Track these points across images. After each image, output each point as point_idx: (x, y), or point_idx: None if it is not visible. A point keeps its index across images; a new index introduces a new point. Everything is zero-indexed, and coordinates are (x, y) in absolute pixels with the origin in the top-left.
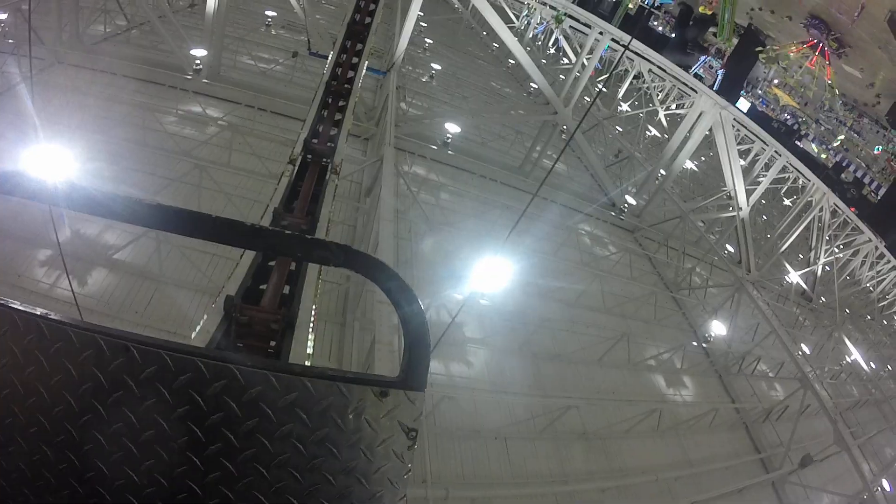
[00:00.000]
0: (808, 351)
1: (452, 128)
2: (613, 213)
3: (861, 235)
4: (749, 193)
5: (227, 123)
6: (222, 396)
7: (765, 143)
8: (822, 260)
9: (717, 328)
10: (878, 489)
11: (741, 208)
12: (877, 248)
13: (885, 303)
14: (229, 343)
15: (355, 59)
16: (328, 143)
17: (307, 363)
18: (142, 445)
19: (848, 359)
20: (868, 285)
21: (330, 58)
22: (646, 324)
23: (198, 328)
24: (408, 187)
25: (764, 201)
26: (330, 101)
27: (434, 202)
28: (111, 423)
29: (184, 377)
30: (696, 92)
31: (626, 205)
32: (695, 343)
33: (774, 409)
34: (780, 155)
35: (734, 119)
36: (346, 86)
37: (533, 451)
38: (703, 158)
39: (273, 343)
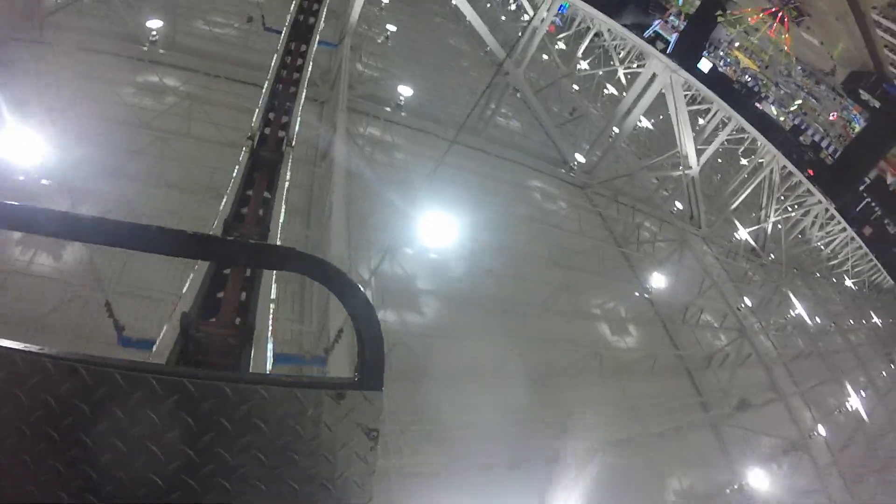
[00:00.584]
0: (750, 304)
1: (405, 91)
2: (564, 171)
3: (812, 197)
4: (702, 153)
5: (186, 93)
6: (177, 412)
7: (716, 105)
8: (772, 218)
9: (662, 280)
10: (813, 434)
11: (691, 167)
12: (827, 209)
13: (836, 262)
14: (188, 360)
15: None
16: (280, 148)
17: (268, 368)
18: (101, 470)
19: (793, 313)
20: (819, 244)
21: (279, 46)
22: (593, 276)
23: (154, 347)
24: (361, 149)
25: (720, 160)
26: (280, 87)
27: (389, 162)
28: (67, 450)
29: (136, 395)
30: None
31: (576, 162)
32: (638, 294)
33: (715, 357)
34: (729, 120)
35: (685, 82)
36: (295, 74)
37: (482, 391)
38: (661, 117)
39: (232, 357)
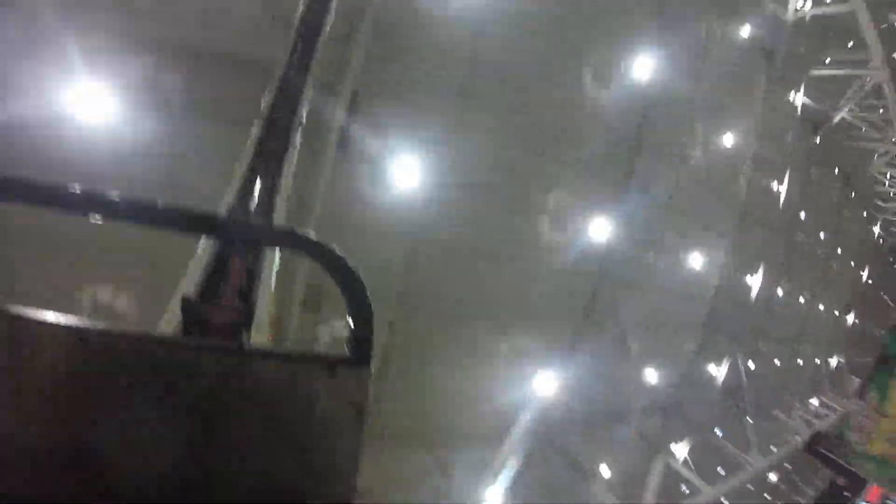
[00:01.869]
0: None
1: None
2: None
3: None
4: None
5: None
6: (176, 381)
7: None
8: None
9: None
10: None
11: None
12: None
13: None
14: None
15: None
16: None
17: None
18: (101, 434)
19: None
20: None
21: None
22: None
23: (158, 328)
24: None
25: None
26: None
27: None
28: (71, 416)
29: (139, 365)
30: None
31: None
32: None
33: None
34: None
35: None
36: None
37: None
38: None
39: (232, 338)
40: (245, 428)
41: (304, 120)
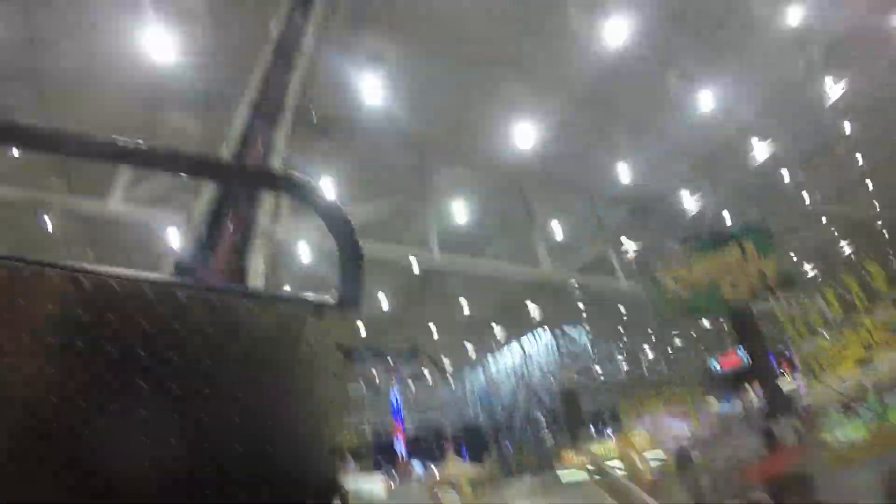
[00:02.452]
0: None
1: None
2: None
3: None
4: None
5: None
6: (164, 319)
7: None
8: None
9: None
10: None
11: None
12: None
13: None
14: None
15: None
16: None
17: None
18: (92, 372)
19: None
20: None
21: None
22: None
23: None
24: None
25: None
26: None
27: None
28: (61, 354)
29: (131, 304)
30: None
31: None
32: None
33: None
34: None
35: None
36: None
37: None
38: None
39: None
40: (229, 367)
41: None
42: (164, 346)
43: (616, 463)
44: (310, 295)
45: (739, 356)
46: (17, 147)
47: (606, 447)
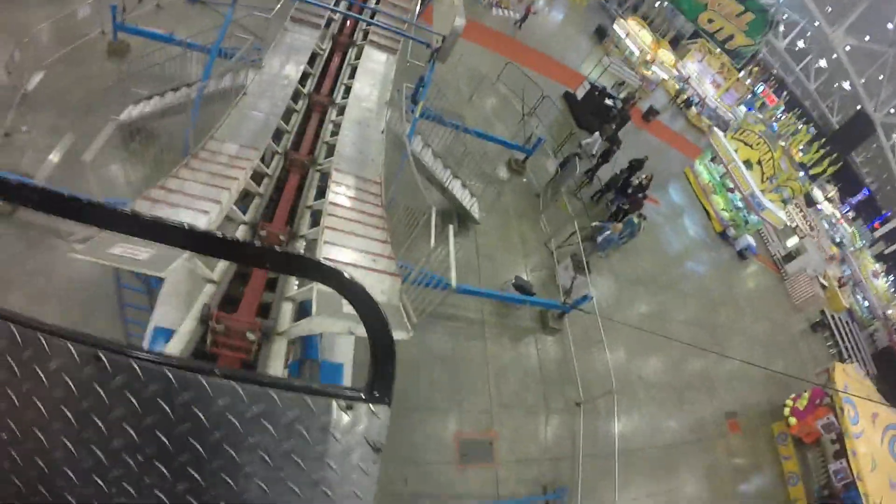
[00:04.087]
0: None
1: None
2: None
3: None
4: None
5: None
6: (190, 406)
7: None
8: None
9: None
10: None
11: None
12: None
13: None
14: (204, 352)
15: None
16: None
17: (283, 364)
18: (111, 454)
19: None
20: None
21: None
22: None
23: (174, 335)
24: None
25: None
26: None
27: None
28: (81, 432)
29: (153, 387)
30: None
31: None
32: None
33: None
34: None
35: None
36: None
37: None
38: None
39: (249, 352)
40: (254, 457)
41: None
42: (186, 433)
43: None
44: (339, 387)
45: None
46: (35, 209)
47: None
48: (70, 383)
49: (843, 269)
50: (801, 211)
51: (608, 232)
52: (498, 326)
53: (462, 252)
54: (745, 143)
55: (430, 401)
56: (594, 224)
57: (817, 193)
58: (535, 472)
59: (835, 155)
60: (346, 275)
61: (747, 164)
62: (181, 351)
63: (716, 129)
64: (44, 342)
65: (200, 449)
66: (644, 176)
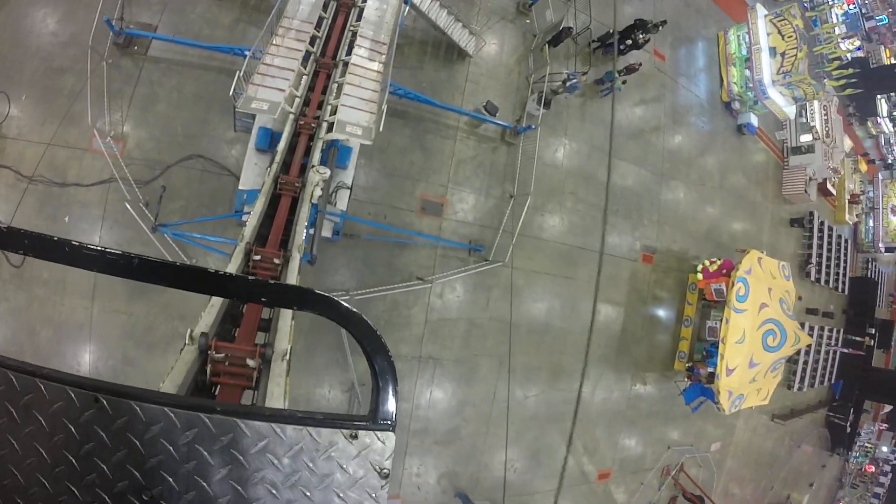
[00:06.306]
0: None
1: None
2: None
3: None
4: None
5: None
6: (194, 445)
7: None
8: None
9: None
10: None
11: None
12: None
13: None
14: (204, 382)
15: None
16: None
17: (284, 401)
18: (117, 497)
19: None
20: None
21: None
22: None
23: (171, 369)
24: None
25: None
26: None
27: None
28: (84, 475)
29: (154, 428)
30: None
31: None
32: None
33: None
34: None
35: None
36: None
37: None
38: None
39: (249, 379)
40: (262, 491)
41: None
42: (191, 472)
43: None
44: (343, 416)
45: None
46: (29, 255)
47: None
48: (71, 427)
49: (865, 189)
50: (826, 115)
51: (574, 80)
52: (468, 133)
53: (448, 74)
54: (779, 32)
55: (409, 172)
56: (567, 71)
57: (882, 106)
58: (467, 231)
59: (855, 81)
60: (342, 304)
61: (772, 51)
62: (178, 386)
63: (759, 4)
64: (42, 387)
65: (206, 486)
66: (651, 23)
